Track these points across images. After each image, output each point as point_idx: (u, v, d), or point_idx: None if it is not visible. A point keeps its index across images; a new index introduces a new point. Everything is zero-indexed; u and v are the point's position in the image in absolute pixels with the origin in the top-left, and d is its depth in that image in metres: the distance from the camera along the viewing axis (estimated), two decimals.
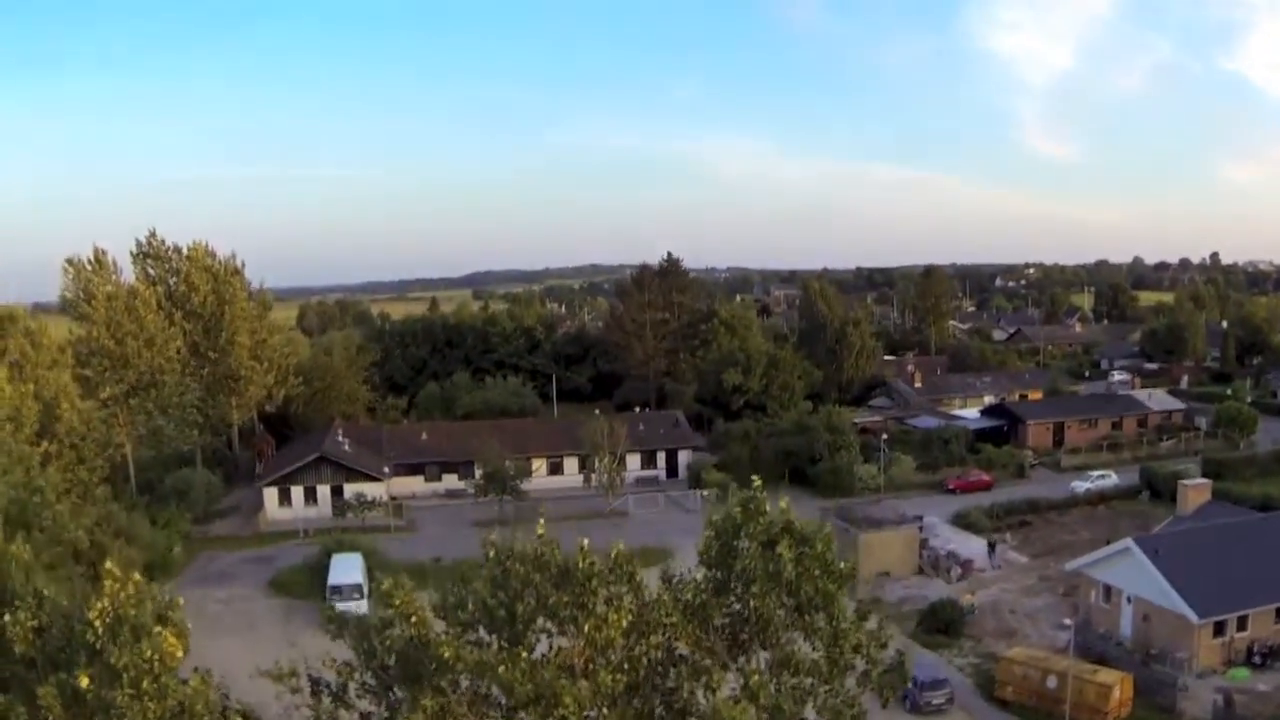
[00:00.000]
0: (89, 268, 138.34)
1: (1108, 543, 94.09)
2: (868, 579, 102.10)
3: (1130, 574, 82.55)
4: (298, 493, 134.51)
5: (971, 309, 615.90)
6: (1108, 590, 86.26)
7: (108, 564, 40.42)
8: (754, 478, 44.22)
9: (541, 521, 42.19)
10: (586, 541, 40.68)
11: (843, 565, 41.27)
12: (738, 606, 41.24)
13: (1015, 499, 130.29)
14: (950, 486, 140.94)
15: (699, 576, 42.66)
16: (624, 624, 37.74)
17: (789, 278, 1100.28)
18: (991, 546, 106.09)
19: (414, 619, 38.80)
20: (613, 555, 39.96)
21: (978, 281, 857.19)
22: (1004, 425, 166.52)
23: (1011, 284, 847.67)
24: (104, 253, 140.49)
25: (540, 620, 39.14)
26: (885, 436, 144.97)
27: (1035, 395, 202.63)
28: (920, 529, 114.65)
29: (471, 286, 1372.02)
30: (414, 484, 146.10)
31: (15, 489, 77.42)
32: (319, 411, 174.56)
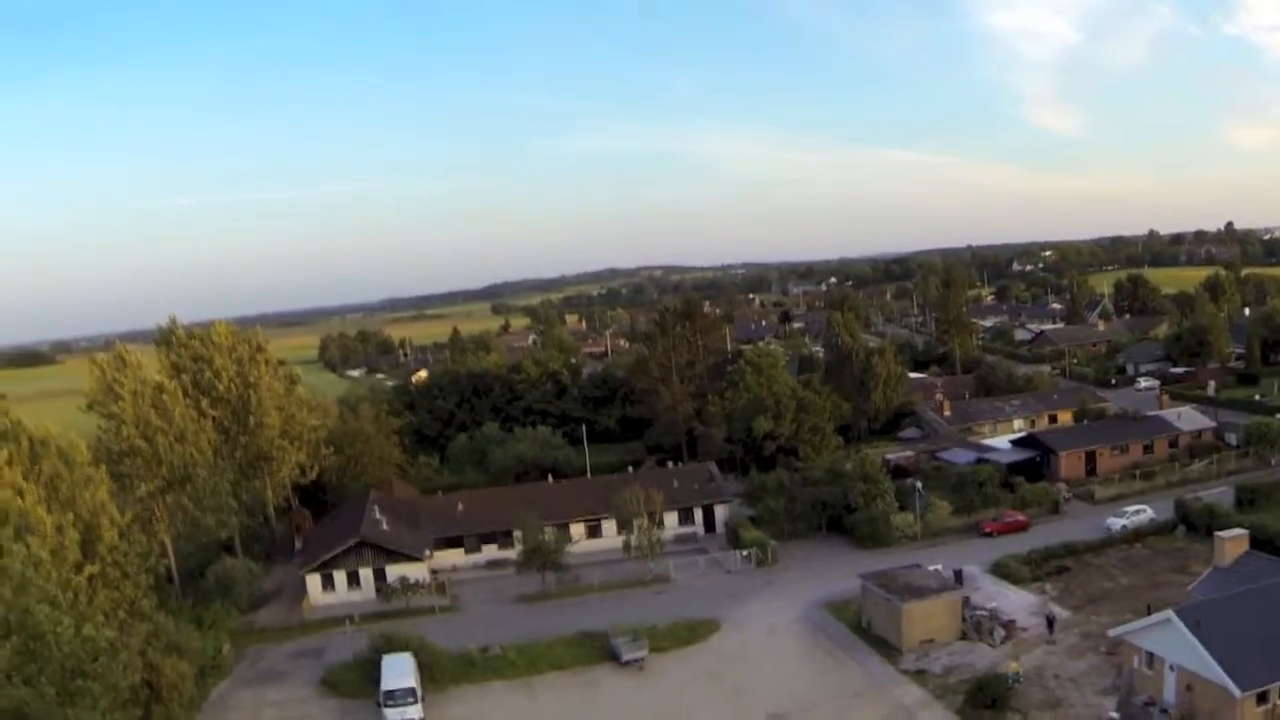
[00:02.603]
0: (114, 366, 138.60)
1: (1148, 610, 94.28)
2: (911, 648, 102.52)
3: (1172, 643, 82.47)
4: (340, 577, 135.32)
5: (991, 297, 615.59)
6: (1150, 657, 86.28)
7: None
8: None
9: None
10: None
11: None
12: None
13: (1052, 543, 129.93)
14: (987, 530, 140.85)
15: None
16: None
17: (806, 273, 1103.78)
18: (1050, 622, 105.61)
19: None
20: None
21: (995, 268, 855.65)
22: (1036, 457, 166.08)
23: (1029, 268, 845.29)
24: (128, 350, 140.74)
25: None
26: (919, 486, 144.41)
27: (1065, 416, 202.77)
28: (960, 581, 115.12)
29: (490, 299, 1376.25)
30: (454, 556, 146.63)
31: (69, 644, 78.21)
32: (353, 478, 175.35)
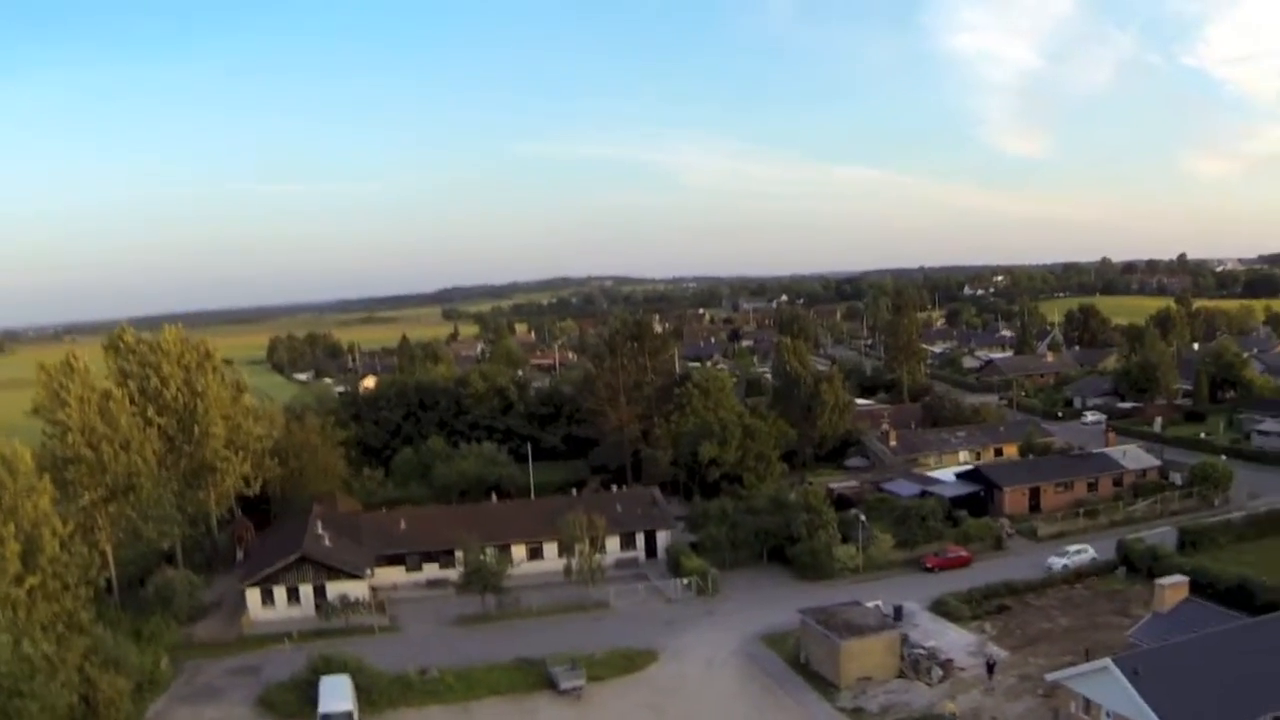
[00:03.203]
0: (62, 372, 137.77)
1: (1087, 655, 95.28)
2: (849, 685, 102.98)
3: (1109, 691, 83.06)
4: (280, 593, 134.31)
5: (942, 320, 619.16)
6: (1087, 703, 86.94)
7: None
8: None
9: None
10: None
11: None
12: None
13: (993, 580, 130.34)
14: (928, 565, 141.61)
15: None
16: None
17: (758, 290, 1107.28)
18: (990, 667, 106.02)
19: None
20: None
21: (947, 290, 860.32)
22: (980, 491, 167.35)
23: (980, 292, 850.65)
24: (76, 357, 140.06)
25: None
26: (862, 519, 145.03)
27: (1010, 449, 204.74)
28: (899, 618, 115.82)
29: (441, 304, 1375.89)
30: (395, 574, 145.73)
31: (6, 663, 77.85)
32: (296, 490, 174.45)
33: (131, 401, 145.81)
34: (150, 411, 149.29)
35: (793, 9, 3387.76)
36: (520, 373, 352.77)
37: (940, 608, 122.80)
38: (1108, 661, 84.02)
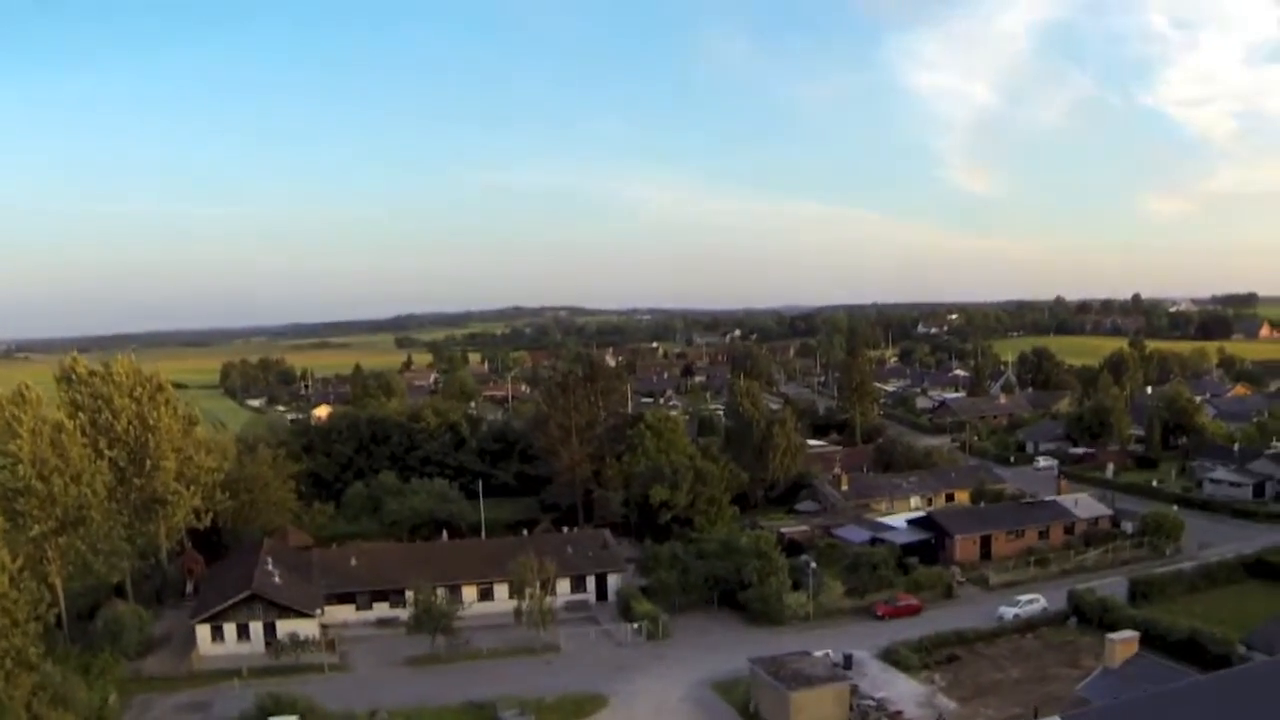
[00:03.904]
0: (14, 403, 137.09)
1: (1035, 712, 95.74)
2: None
3: None
4: (230, 629, 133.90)
5: (895, 358, 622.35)
6: None
7: None
8: None
9: None
10: None
11: None
12: None
13: (943, 629, 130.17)
14: (879, 613, 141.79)
15: None
16: None
17: (711, 324, 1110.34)
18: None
19: None
20: None
21: (901, 327, 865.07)
22: (931, 538, 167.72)
23: (935, 330, 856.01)
24: (28, 387, 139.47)
25: None
26: (813, 566, 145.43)
27: (962, 495, 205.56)
28: (849, 667, 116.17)
29: (395, 331, 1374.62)
30: (345, 612, 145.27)
31: None
32: (247, 522, 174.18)
33: (83, 433, 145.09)
34: (102, 444, 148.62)
35: (751, 44, 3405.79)
36: (473, 405, 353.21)
37: (890, 657, 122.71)
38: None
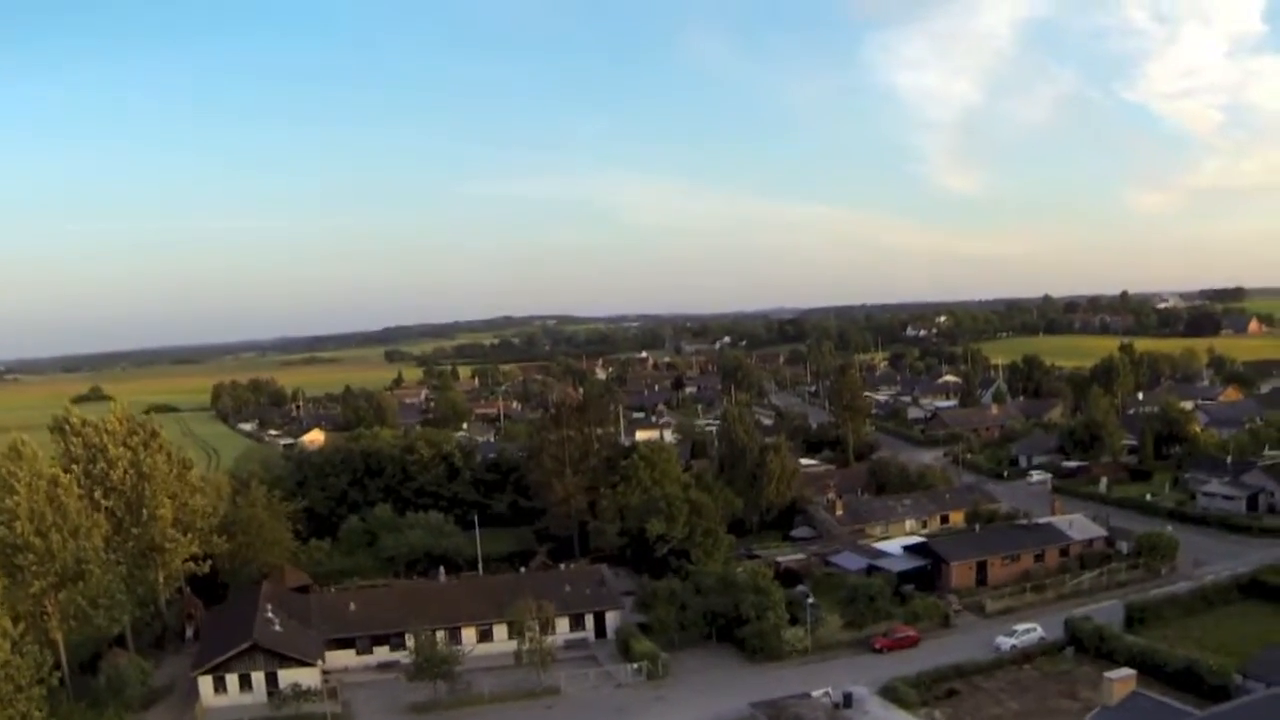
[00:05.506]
0: (10, 459, 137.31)
1: None
2: None
3: None
4: (232, 680, 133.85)
5: (885, 363, 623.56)
6: None
7: None
8: None
9: None
10: None
11: None
12: None
13: (942, 663, 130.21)
14: (877, 646, 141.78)
15: None
16: None
17: (700, 330, 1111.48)
18: None
19: None
20: None
21: (890, 331, 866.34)
22: (928, 565, 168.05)
23: (923, 333, 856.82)
24: (24, 442, 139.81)
25: None
26: (810, 600, 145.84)
27: (956, 517, 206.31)
28: (849, 705, 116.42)
29: (384, 343, 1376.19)
30: (345, 657, 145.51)
31: None
32: (245, 563, 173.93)
33: (78, 484, 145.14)
34: (97, 494, 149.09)
35: (734, 46, 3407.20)
36: (465, 427, 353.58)
37: (890, 694, 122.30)
38: None
